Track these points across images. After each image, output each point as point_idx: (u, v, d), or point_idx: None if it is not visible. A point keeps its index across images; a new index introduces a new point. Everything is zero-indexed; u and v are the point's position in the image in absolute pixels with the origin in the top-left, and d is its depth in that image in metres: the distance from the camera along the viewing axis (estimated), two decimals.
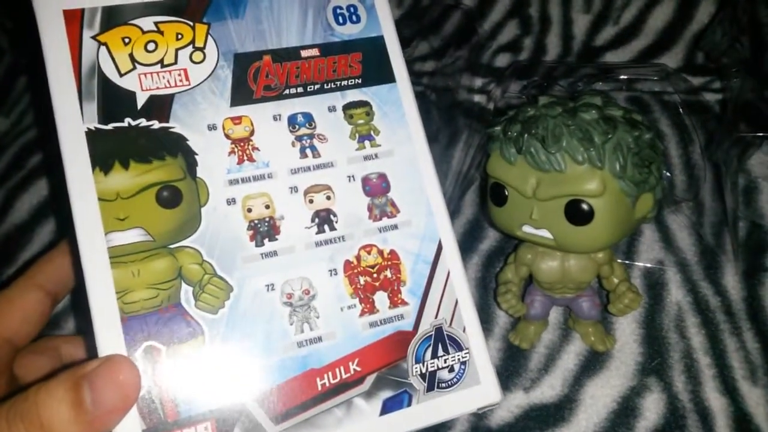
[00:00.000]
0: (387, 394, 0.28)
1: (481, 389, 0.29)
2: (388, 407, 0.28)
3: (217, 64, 0.30)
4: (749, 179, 0.47)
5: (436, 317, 0.29)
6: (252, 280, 0.28)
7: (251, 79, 0.30)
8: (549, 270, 0.38)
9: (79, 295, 0.26)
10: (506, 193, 0.36)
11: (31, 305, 0.32)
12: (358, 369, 0.28)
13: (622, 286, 0.37)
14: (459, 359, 0.29)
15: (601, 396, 0.39)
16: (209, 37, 0.30)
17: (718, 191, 0.45)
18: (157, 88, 0.29)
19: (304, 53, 0.31)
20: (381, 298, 0.29)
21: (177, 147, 0.28)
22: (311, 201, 0.29)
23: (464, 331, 0.29)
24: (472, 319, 0.30)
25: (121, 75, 0.28)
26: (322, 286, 0.28)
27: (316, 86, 0.31)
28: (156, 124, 0.28)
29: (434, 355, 0.29)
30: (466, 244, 0.46)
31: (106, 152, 0.27)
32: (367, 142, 0.31)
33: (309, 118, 0.30)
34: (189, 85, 0.29)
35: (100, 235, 0.26)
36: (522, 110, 0.36)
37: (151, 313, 0.26)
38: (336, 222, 0.29)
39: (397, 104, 0.31)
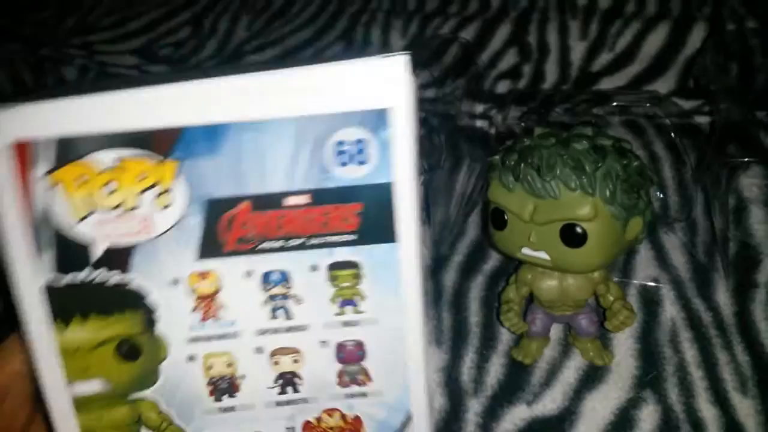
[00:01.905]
0: None
1: None
2: None
3: (185, 211, 0.26)
4: (739, 200, 0.48)
5: None
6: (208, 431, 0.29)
7: (224, 229, 0.26)
8: (548, 289, 0.40)
9: None
10: (506, 217, 0.38)
11: None
12: None
13: (617, 304, 0.39)
14: None
15: (600, 408, 0.41)
16: (179, 177, 0.25)
17: (709, 212, 0.46)
18: (117, 235, 0.26)
19: (290, 200, 0.26)
20: None
21: (136, 302, 0.26)
22: (277, 363, 0.28)
23: None
24: None
25: (77, 221, 0.25)
26: None
27: (300, 241, 0.26)
28: (116, 276, 0.26)
29: None
30: (471, 264, 0.48)
31: (64, 306, 0.26)
32: (348, 308, 0.27)
33: (285, 277, 0.27)
34: (152, 234, 0.26)
35: (63, 385, 0.27)
36: (519, 141, 0.38)
37: None
38: (300, 385, 0.28)
39: (393, 268, 0.27)
